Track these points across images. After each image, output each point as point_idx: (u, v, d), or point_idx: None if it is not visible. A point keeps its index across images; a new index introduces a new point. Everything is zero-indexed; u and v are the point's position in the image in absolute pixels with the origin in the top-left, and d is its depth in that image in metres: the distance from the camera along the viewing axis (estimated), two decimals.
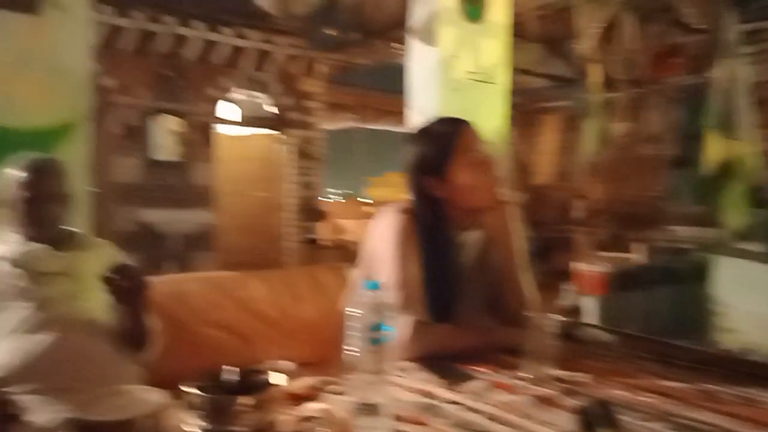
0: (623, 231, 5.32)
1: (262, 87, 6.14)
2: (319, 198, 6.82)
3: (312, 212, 6.46)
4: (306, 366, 1.51)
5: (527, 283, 1.44)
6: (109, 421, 0.65)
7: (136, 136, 5.36)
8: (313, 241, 6.39)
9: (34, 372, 1.34)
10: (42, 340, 1.38)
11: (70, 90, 2.40)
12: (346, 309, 0.93)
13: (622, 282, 1.50)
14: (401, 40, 4.74)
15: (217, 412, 0.70)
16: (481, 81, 3.73)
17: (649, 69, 5.46)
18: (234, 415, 0.69)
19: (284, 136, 6.38)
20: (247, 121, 6.49)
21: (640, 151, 5.99)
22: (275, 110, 6.32)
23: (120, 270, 1.37)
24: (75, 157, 2.33)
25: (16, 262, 1.48)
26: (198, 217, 5.67)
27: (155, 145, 5.46)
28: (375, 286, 0.90)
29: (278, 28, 5.64)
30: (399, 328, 1.22)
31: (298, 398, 0.98)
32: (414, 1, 3.68)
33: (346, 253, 5.90)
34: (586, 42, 4.73)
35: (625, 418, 0.89)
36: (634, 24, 4.73)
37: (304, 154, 6.42)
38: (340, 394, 1.01)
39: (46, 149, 2.11)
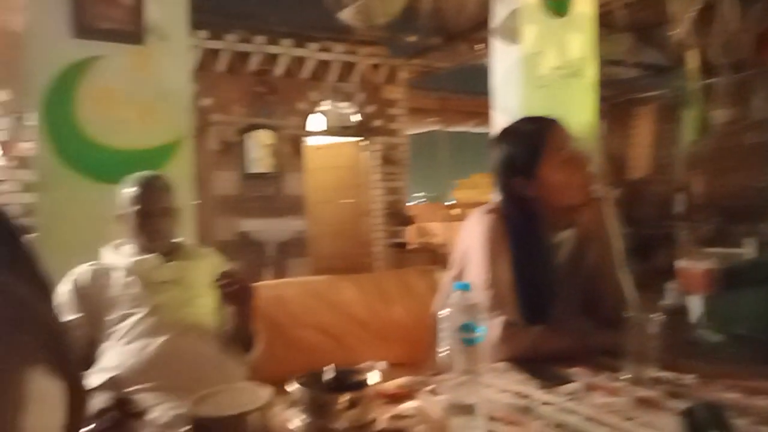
0: (729, 225, 4.94)
1: (346, 97, 6.30)
2: (405, 202, 6.88)
3: (398, 217, 6.52)
4: (397, 367, 1.53)
5: (625, 282, 1.39)
6: (222, 416, 0.70)
7: (232, 151, 5.67)
8: (400, 245, 6.45)
9: (150, 372, 1.46)
10: (156, 343, 1.50)
11: (174, 112, 2.58)
12: (438, 310, 0.94)
13: (730, 279, 1.40)
14: (483, 41, 4.70)
15: (318, 409, 0.74)
16: (567, 76, 3.63)
17: (753, 51, 5.04)
18: (334, 412, 0.73)
19: (369, 143, 6.50)
20: (333, 131, 6.68)
21: (744, 139, 5.54)
22: (360, 118, 6.46)
23: (229, 275, 1.46)
24: (180, 173, 2.50)
25: (130, 271, 1.62)
26: (291, 225, 5.90)
27: (250, 159, 5.75)
28: (465, 287, 0.91)
29: (360, 40, 5.77)
30: (490, 329, 1.22)
31: (392, 397, 1.01)
32: (495, 2, 3.64)
33: (434, 256, 5.92)
34: (681, 27, 4.45)
35: (737, 422, 0.84)
36: (733, 4, 4.40)
37: (389, 159, 6.51)
38: (434, 394, 1.03)
39: (155, 167, 2.29)
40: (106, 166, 2.40)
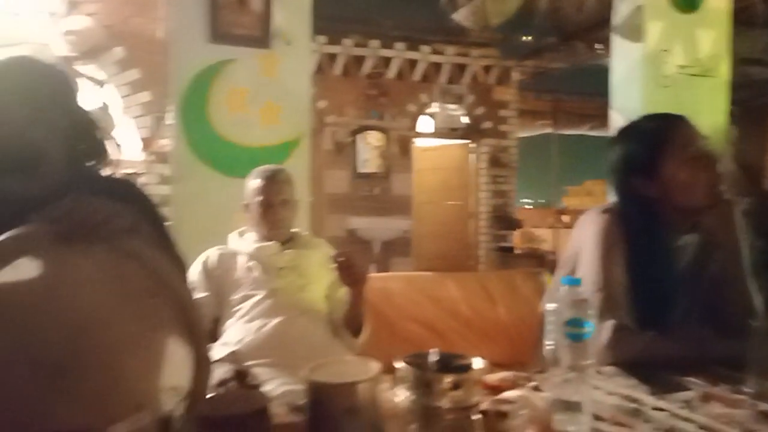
0: None
1: (456, 99, 6.31)
2: (513, 206, 6.76)
3: (505, 220, 6.42)
4: (498, 367, 1.54)
5: (752, 291, 1.29)
6: (336, 383, 0.76)
7: (344, 151, 5.89)
8: (506, 250, 6.35)
9: (265, 349, 1.58)
10: (272, 323, 1.62)
11: (295, 112, 2.75)
12: (545, 305, 0.94)
13: None
14: (602, 40, 4.51)
15: (423, 387, 0.77)
16: (696, 75, 3.39)
17: None
18: (439, 391, 0.76)
19: (477, 146, 6.46)
20: (442, 133, 6.72)
21: None
22: (469, 120, 6.44)
23: (346, 255, 1.55)
24: (298, 170, 2.66)
25: (252, 256, 1.76)
26: (397, 224, 6.02)
27: (360, 159, 5.95)
28: (574, 282, 0.90)
29: (473, 41, 5.76)
30: (600, 331, 1.19)
31: (494, 389, 1.02)
32: None
33: (541, 263, 5.76)
34: None
35: None
36: None
37: (497, 162, 6.43)
38: (538, 389, 1.03)
39: (275, 163, 2.46)
40: (233, 161, 2.61)
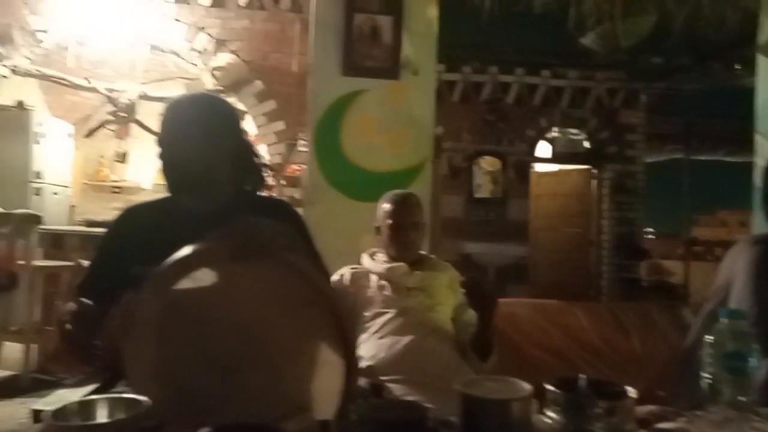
0: None
1: (578, 123, 6.14)
2: (640, 235, 6.38)
3: (631, 250, 6.08)
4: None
5: None
6: (491, 399, 0.79)
7: (460, 176, 5.93)
8: (631, 281, 5.99)
9: (397, 366, 1.63)
10: (403, 341, 1.68)
11: (419, 138, 2.84)
12: (694, 338, 0.91)
13: None
14: (742, 59, 4.20)
15: (576, 411, 0.78)
16: None
17: None
18: (592, 415, 0.77)
19: (600, 171, 6.21)
20: (561, 158, 6.54)
21: None
22: (591, 145, 6.22)
23: (476, 279, 1.58)
24: (421, 195, 2.73)
25: (382, 276, 1.83)
26: (512, 250, 5.92)
27: (476, 184, 5.95)
28: (735, 314, 0.87)
29: (597, 64, 5.60)
30: (760, 367, 1.12)
31: (643, 422, 0.99)
32: (765, 15, 3.24)
33: (670, 295, 5.37)
34: None
35: None
36: None
37: (622, 188, 6.13)
38: (691, 423, 0.98)
39: (400, 188, 2.55)
40: (361, 186, 2.75)
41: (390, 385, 1.57)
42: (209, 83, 4.26)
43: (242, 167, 1.41)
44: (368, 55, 2.79)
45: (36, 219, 3.39)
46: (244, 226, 1.07)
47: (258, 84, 4.18)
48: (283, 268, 1.07)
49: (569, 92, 5.97)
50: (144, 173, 6.07)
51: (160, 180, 5.94)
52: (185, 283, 1.06)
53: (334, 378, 1.06)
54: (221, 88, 4.22)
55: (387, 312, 1.75)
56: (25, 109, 4.92)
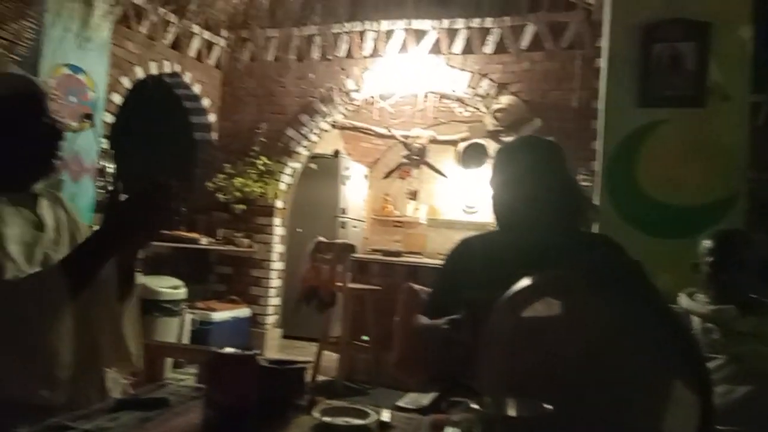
0: None
1: None
2: None
3: None
4: None
5: None
6: None
7: None
8: None
9: (731, 417, 1.50)
10: (740, 391, 1.54)
11: (727, 170, 2.58)
12: None
13: None
14: None
15: None
16: None
17: None
18: None
19: None
20: None
21: None
22: None
23: None
24: None
25: (706, 318, 1.72)
26: None
27: None
28: None
29: None
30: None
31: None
32: None
33: None
34: None
35: None
36: None
37: None
38: None
39: (705, 224, 2.34)
40: (659, 221, 2.61)
41: None
42: (490, 125, 4.52)
43: (568, 205, 1.50)
44: (668, 84, 2.66)
45: (351, 248, 4.01)
46: (597, 260, 1.15)
47: (537, 122, 4.28)
48: (638, 300, 1.12)
49: None
50: (421, 209, 6.67)
51: (431, 215, 6.49)
52: (536, 307, 1.18)
53: (688, 416, 1.05)
54: (501, 128, 4.44)
55: (714, 358, 1.64)
56: (339, 156, 5.89)
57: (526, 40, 4.37)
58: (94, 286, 1.17)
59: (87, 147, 3.73)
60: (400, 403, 1.40)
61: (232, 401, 0.74)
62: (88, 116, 3.77)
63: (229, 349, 0.80)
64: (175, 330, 3.89)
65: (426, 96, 4.87)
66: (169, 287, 3.89)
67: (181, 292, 3.98)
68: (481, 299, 1.33)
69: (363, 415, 1.16)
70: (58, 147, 1.29)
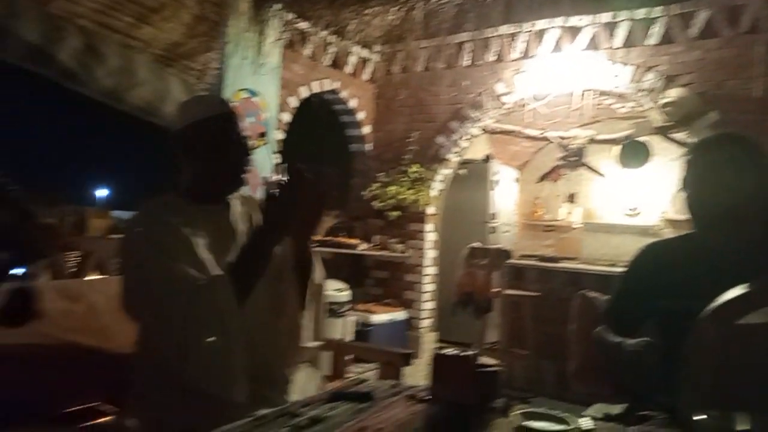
0: None
1: None
2: None
3: None
4: None
5: None
6: None
7: None
8: None
9: None
10: None
11: None
12: None
13: None
14: None
15: None
16: None
17: None
18: None
19: None
20: None
21: None
22: None
23: None
24: None
25: None
26: None
27: None
28: None
29: None
30: None
31: None
32: None
33: None
34: None
35: None
36: None
37: None
38: None
39: None
40: None
41: None
42: (657, 120, 4.21)
43: None
44: None
45: (507, 254, 3.98)
46: None
47: (713, 115, 3.90)
48: None
49: None
50: (575, 212, 6.37)
51: (587, 218, 6.16)
52: (751, 318, 1.10)
53: None
54: (671, 123, 4.11)
55: None
56: (489, 161, 5.87)
57: (696, 28, 4.01)
58: (273, 291, 1.31)
59: (262, 162, 4.12)
60: (590, 413, 1.37)
61: (457, 397, 0.79)
62: (263, 134, 4.17)
63: (450, 350, 0.85)
64: (339, 330, 4.14)
65: (583, 94, 4.67)
66: (335, 290, 4.15)
67: (346, 295, 4.22)
68: (679, 309, 1.27)
69: (560, 421, 1.16)
70: (247, 162, 1.47)
